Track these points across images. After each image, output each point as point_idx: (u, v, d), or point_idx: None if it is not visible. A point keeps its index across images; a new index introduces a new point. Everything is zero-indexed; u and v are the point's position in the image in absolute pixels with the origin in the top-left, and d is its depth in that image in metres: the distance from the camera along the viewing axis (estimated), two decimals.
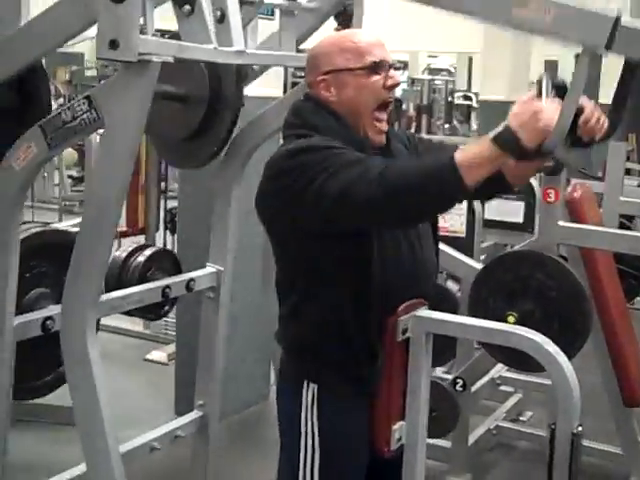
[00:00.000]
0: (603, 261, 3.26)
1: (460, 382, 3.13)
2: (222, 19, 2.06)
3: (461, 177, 1.57)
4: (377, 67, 1.79)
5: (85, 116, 1.74)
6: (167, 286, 2.40)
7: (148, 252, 2.53)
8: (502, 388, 3.93)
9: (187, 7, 1.94)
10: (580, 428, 1.69)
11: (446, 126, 10.20)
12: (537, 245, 2.94)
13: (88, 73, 11.75)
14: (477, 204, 3.26)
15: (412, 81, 10.84)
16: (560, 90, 1.66)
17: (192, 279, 2.50)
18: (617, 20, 1.58)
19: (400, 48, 13.91)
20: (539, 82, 1.66)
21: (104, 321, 3.64)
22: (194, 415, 2.67)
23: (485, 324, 1.84)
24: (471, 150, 1.63)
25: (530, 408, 4.05)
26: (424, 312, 1.87)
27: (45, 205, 8.49)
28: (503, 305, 2.88)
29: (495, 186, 1.87)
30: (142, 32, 1.66)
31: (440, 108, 9.95)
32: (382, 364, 1.82)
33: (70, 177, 9.75)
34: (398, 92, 11.80)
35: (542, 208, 2.95)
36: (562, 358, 1.75)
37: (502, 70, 6.03)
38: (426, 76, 11.42)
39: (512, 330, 1.78)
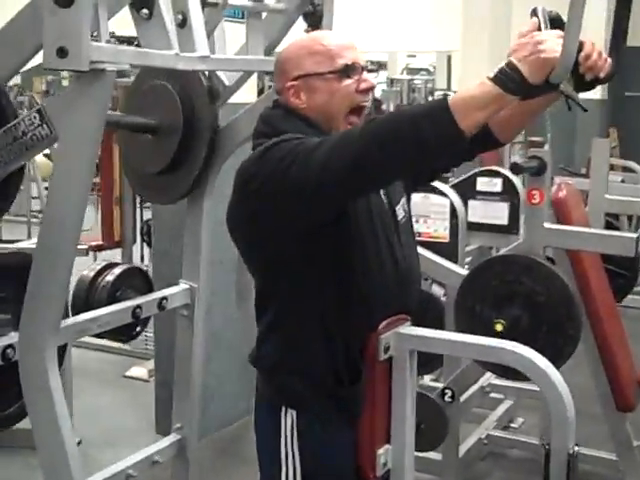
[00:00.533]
0: (590, 262, 3.17)
1: (449, 393, 3.03)
2: (184, 23, 1.94)
3: (454, 120, 1.43)
4: (349, 70, 1.68)
5: (37, 131, 1.62)
6: (138, 306, 2.27)
7: (117, 270, 2.40)
8: (492, 395, 3.83)
9: (145, 11, 1.83)
10: (577, 448, 1.59)
11: None
12: (523, 248, 2.85)
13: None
14: (460, 207, 3.16)
15: (391, 81, 10.76)
16: (555, 23, 1.55)
17: (164, 297, 2.38)
18: None
19: (379, 48, 13.86)
20: (534, 14, 1.55)
21: (82, 338, 3.53)
22: (172, 439, 2.55)
23: (471, 340, 1.73)
24: (468, 92, 1.48)
25: (521, 414, 3.96)
26: (407, 328, 1.76)
27: (20, 219, 8.35)
28: (490, 312, 2.80)
29: (482, 141, 1.75)
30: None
31: None
32: (364, 384, 1.72)
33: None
34: (378, 93, 11.69)
35: (527, 210, 2.85)
36: (555, 376, 1.65)
37: (481, 68, 5.94)
38: (405, 76, 11.33)
39: (502, 346, 1.67)
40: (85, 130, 1.61)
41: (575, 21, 1.46)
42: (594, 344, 3.11)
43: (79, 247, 2.38)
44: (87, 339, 4.41)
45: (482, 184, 3.55)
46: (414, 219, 1.94)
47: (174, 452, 2.55)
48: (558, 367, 2.69)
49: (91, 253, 4.59)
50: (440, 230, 3.11)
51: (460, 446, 3.28)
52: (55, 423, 1.73)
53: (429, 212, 3.12)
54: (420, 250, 2.95)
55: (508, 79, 1.45)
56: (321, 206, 1.58)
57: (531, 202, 2.82)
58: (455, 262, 3.07)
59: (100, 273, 2.38)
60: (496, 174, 3.53)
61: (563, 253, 3.09)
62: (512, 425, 3.88)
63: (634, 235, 2.70)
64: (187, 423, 2.55)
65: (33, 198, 9.35)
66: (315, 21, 2.23)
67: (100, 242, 4.77)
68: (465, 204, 3.39)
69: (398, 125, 1.48)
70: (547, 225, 2.82)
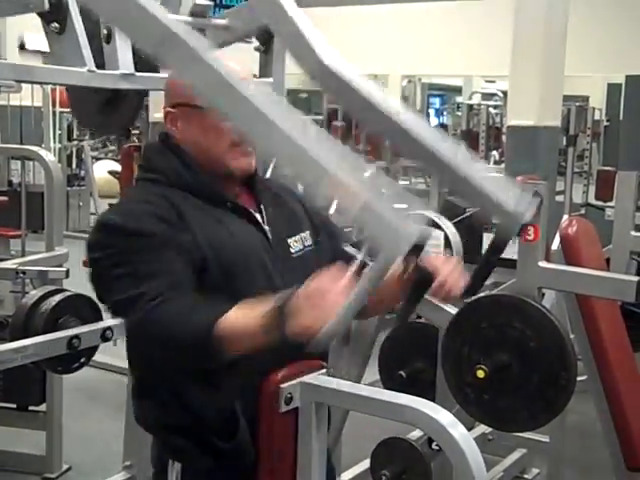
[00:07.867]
0: (604, 307, 2.90)
1: None
2: (109, 39, 1.84)
3: (216, 352, 1.34)
4: None
5: None
6: (75, 336, 2.16)
7: (58, 297, 2.29)
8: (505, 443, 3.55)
9: (55, 25, 1.72)
10: None
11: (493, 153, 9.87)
12: (516, 288, 2.61)
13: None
14: (456, 239, 2.94)
15: (457, 106, 10.54)
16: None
17: (109, 328, 2.26)
18: (416, 247, 1.31)
19: (453, 72, 13.60)
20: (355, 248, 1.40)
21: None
22: (121, 477, 2.42)
23: (375, 395, 1.52)
24: (242, 318, 1.34)
25: (538, 464, 3.66)
26: (313, 377, 1.58)
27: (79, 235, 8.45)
28: (477, 356, 2.58)
29: None
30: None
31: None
32: (261, 437, 1.54)
33: None
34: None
35: (521, 247, 2.61)
36: (467, 442, 1.43)
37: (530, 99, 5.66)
38: (467, 100, 11.12)
39: (405, 403, 1.47)
40: None
41: (357, 296, 1.29)
42: (604, 398, 2.83)
43: None
44: (105, 360, 4.37)
45: None
46: None
47: None
48: (548, 422, 2.50)
49: None
50: None
51: None
52: None
53: None
54: None
55: (274, 324, 1.30)
56: None
57: (525, 238, 2.59)
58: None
59: (42, 300, 2.27)
60: None
61: (572, 297, 2.85)
62: (525, 476, 3.59)
63: (634, 278, 2.42)
64: (137, 461, 2.42)
65: (92, 214, 9.53)
66: (266, 41, 2.09)
67: None
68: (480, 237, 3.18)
69: (166, 343, 1.39)
70: (542, 264, 2.58)
